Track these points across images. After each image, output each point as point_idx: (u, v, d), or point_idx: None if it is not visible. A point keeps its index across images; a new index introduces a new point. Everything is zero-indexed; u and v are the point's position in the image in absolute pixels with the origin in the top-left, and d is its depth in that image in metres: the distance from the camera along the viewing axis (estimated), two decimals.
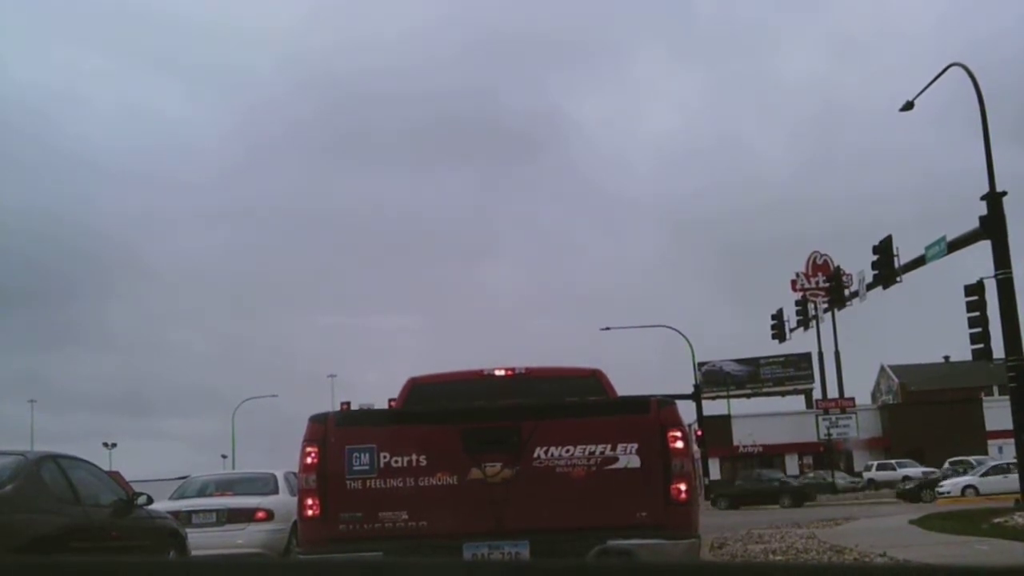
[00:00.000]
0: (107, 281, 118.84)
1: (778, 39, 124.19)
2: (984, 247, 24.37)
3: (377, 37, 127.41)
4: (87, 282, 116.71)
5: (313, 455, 6.24)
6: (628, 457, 6.24)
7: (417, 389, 8.46)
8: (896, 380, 79.93)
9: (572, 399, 7.35)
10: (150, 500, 11.39)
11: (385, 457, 6.24)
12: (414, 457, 6.23)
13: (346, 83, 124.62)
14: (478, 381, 8.21)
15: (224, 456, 70.26)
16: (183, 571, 1.80)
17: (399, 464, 6.23)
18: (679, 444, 6.29)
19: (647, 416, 6.36)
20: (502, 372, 8.25)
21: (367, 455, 6.22)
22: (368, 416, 6.60)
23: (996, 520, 17.63)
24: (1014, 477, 36.54)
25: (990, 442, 59.96)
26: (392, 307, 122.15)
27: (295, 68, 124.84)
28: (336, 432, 6.29)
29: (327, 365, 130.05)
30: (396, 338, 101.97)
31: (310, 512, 6.22)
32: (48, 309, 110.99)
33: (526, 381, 8.16)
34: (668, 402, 6.57)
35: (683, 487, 6.23)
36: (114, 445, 78.72)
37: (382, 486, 6.20)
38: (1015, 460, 40.72)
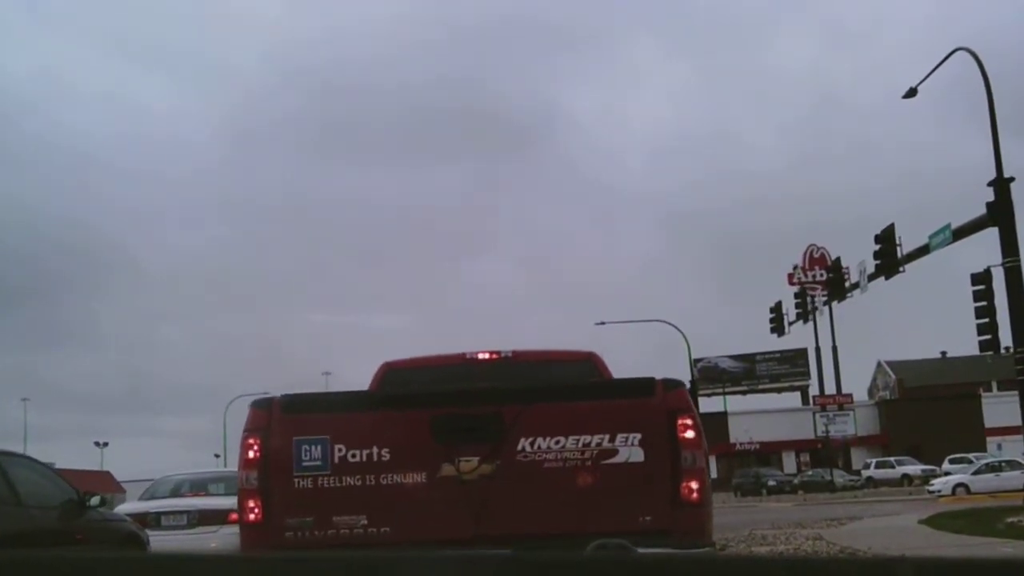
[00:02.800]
0: (98, 277, 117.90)
1: (772, 28, 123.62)
2: (982, 239, 23.67)
3: (363, 25, 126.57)
4: (78, 278, 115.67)
5: (255, 448, 5.25)
6: (629, 449, 5.26)
7: (391, 374, 7.47)
8: (893, 376, 79.24)
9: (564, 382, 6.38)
10: (103, 501, 10.44)
11: (340, 450, 5.25)
12: (375, 450, 5.26)
13: (332, 73, 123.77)
14: (459, 366, 7.22)
15: (217, 455, 69.23)
16: (172, 565, 1.72)
17: (357, 459, 5.25)
18: (690, 433, 5.30)
19: (652, 399, 5.37)
20: (486, 355, 7.27)
21: (319, 448, 5.24)
22: (321, 401, 5.59)
23: (1010, 520, 16.89)
24: (1007, 475, 36.06)
25: (989, 439, 59.31)
26: (385, 304, 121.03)
27: (279, 59, 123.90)
28: (282, 420, 5.29)
29: (322, 363, 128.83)
30: (390, 335, 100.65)
31: (251, 516, 5.22)
32: (39, 306, 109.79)
33: (513, 365, 7.18)
34: (677, 383, 5.59)
35: (695, 485, 5.26)
36: (105, 444, 77.95)
37: (336, 485, 5.22)
38: (1010, 457, 40.32)
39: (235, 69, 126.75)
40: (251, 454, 5.25)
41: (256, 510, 5.22)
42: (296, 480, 5.21)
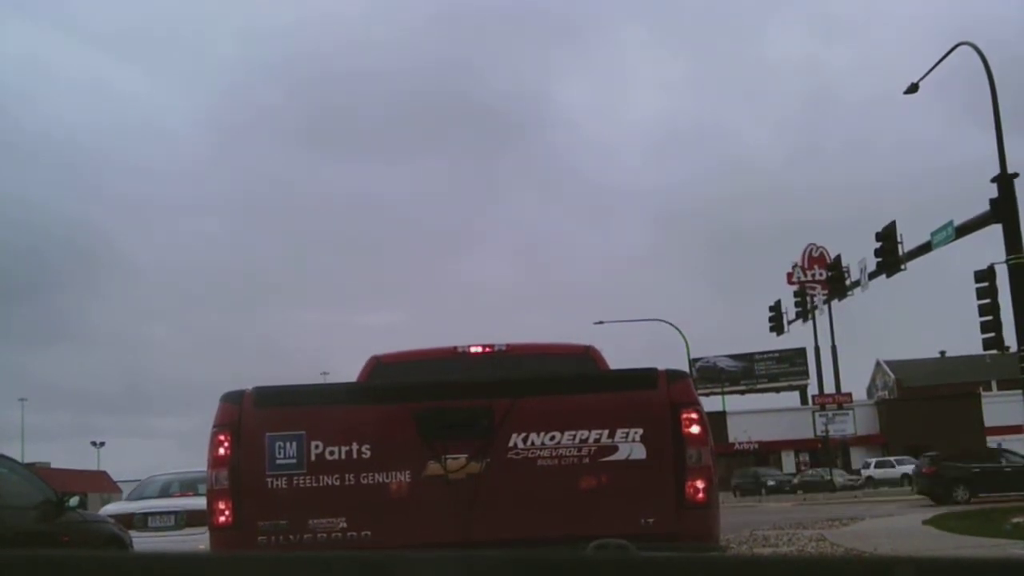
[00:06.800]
0: (92, 273, 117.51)
1: (767, 20, 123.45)
2: (981, 237, 23.41)
3: (347, 16, 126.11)
4: (72, 274, 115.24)
5: (225, 445, 4.88)
6: (630, 446, 4.88)
7: (380, 368, 7.11)
8: (892, 376, 78.96)
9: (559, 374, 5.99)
10: (83, 502, 10.09)
11: (317, 447, 4.87)
12: (354, 447, 4.88)
13: (322, 65, 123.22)
14: (451, 359, 6.86)
15: None
16: (180, 564, 1.57)
17: (335, 456, 4.87)
18: (696, 429, 4.91)
19: (654, 392, 4.98)
20: (479, 349, 6.90)
21: (294, 445, 4.86)
22: (297, 395, 5.21)
23: (1016, 520, 16.55)
24: None
25: (989, 438, 58.91)
26: (380, 301, 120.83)
27: (266, 47, 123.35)
28: (254, 415, 4.91)
29: (320, 360, 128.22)
30: (386, 333, 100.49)
31: (221, 519, 4.83)
32: (34, 303, 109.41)
33: (507, 359, 6.81)
34: (681, 375, 5.19)
35: (701, 484, 4.88)
36: (102, 444, 77.66)
37: (313, 485, 4.84)
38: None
39: (221, 58, 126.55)
40: (220, 452, 4.87)
41: (226, 512, 4.84)
42: (269, 480, 4.84)
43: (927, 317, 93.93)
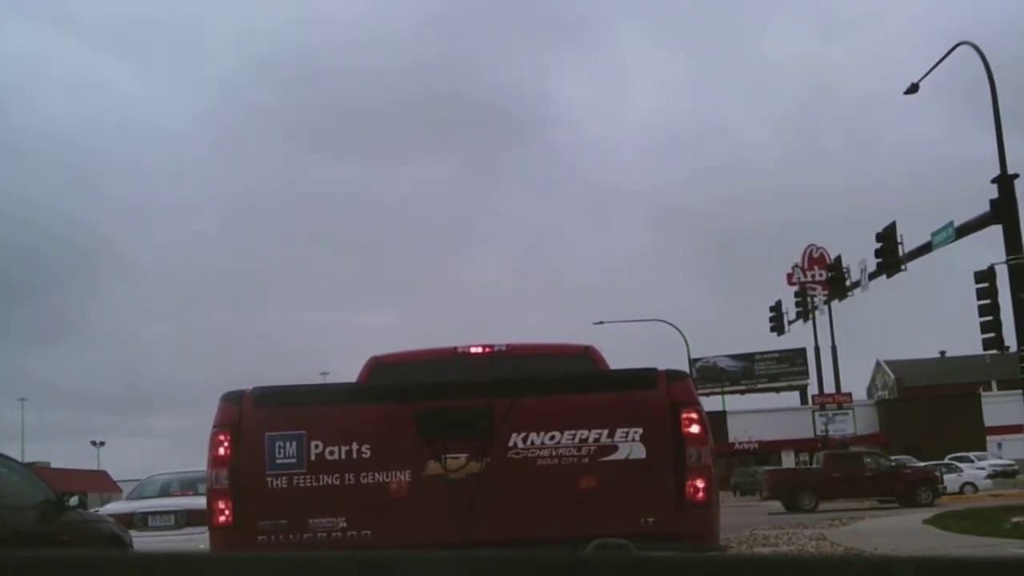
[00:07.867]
0: (92, 272, 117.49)
1: (765, 18, 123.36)
2: (981, 237, 23.40)
3: (346, 15, 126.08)
4: (72, 273, 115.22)
5: (225, 445, 4.89)
6: (630, 445, 4.89)
7: (380, 369, 7.12)
8: (892, 376, 79.00)
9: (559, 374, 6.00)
10: (83, 502, 10.09)
11: (317, 447, 4.88)
12: (354, 447, 4.90)
13: (320, 63, 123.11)
14: (451, 360, 6.87)
15: None
16: (182, 564, 1.60)
17: (335, 456, 4.89)
18: (695, 428, 4.93)
19: (654, 392, 4.99)
20: (479, 349, 6.92)
21: (294, 445, 4.88)
22: (297, 394, 5.23)
23: (1015, 519, 16.58)
24: (950, 478, 35.99)
25: (989, 438, 59.02)
26: (379, 303, 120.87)
27: (257, 46, 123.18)
28: (254, 415, 4.93)
29: (319, 363, 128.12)
30: (385, 333, 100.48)
31: (221, 519, 4.85)
32: (34, 302, 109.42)
33: (507, 359, 6.82)
34: (680, 375, 5.21)
35: (701, 484, 4.89)
36: (102, 443, 77.74)
37: (313, 485, 4.86)
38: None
39: (220, 57, 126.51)
40: (220, 451, 4.89)
41: (226, 512, 4.86)
42: (269, 479, 4.86)
43: (927, 317, 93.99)
